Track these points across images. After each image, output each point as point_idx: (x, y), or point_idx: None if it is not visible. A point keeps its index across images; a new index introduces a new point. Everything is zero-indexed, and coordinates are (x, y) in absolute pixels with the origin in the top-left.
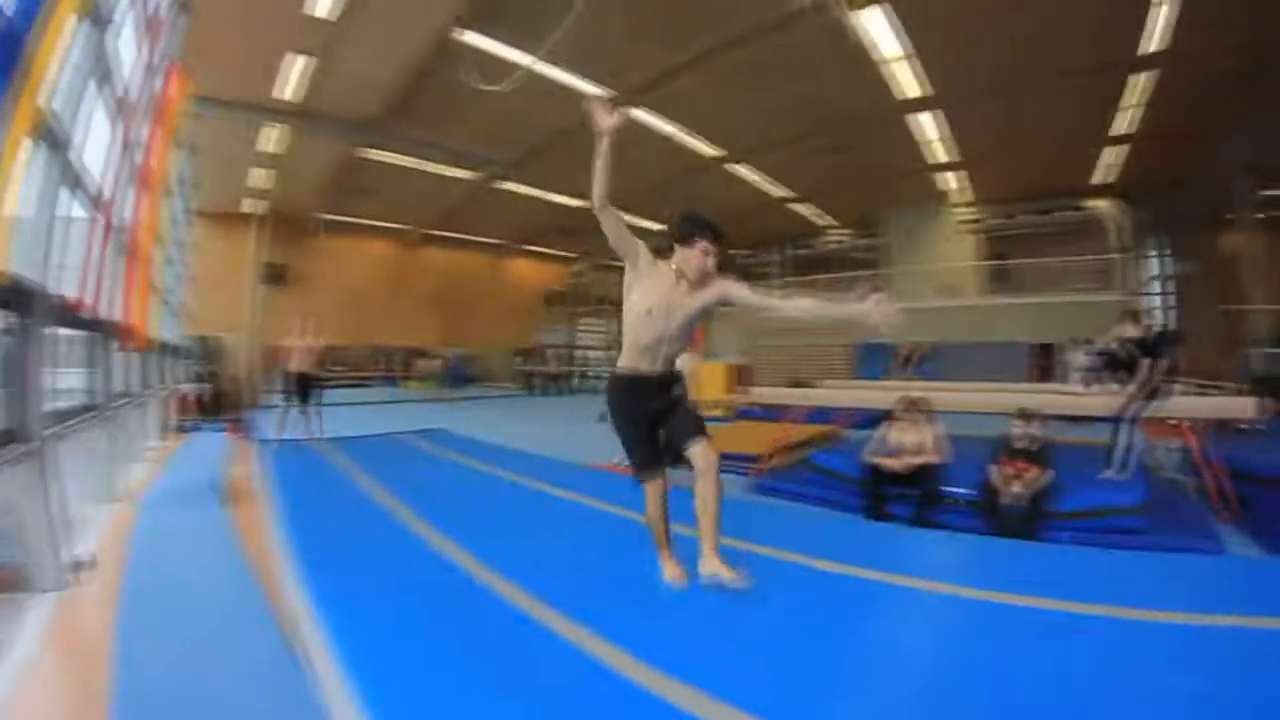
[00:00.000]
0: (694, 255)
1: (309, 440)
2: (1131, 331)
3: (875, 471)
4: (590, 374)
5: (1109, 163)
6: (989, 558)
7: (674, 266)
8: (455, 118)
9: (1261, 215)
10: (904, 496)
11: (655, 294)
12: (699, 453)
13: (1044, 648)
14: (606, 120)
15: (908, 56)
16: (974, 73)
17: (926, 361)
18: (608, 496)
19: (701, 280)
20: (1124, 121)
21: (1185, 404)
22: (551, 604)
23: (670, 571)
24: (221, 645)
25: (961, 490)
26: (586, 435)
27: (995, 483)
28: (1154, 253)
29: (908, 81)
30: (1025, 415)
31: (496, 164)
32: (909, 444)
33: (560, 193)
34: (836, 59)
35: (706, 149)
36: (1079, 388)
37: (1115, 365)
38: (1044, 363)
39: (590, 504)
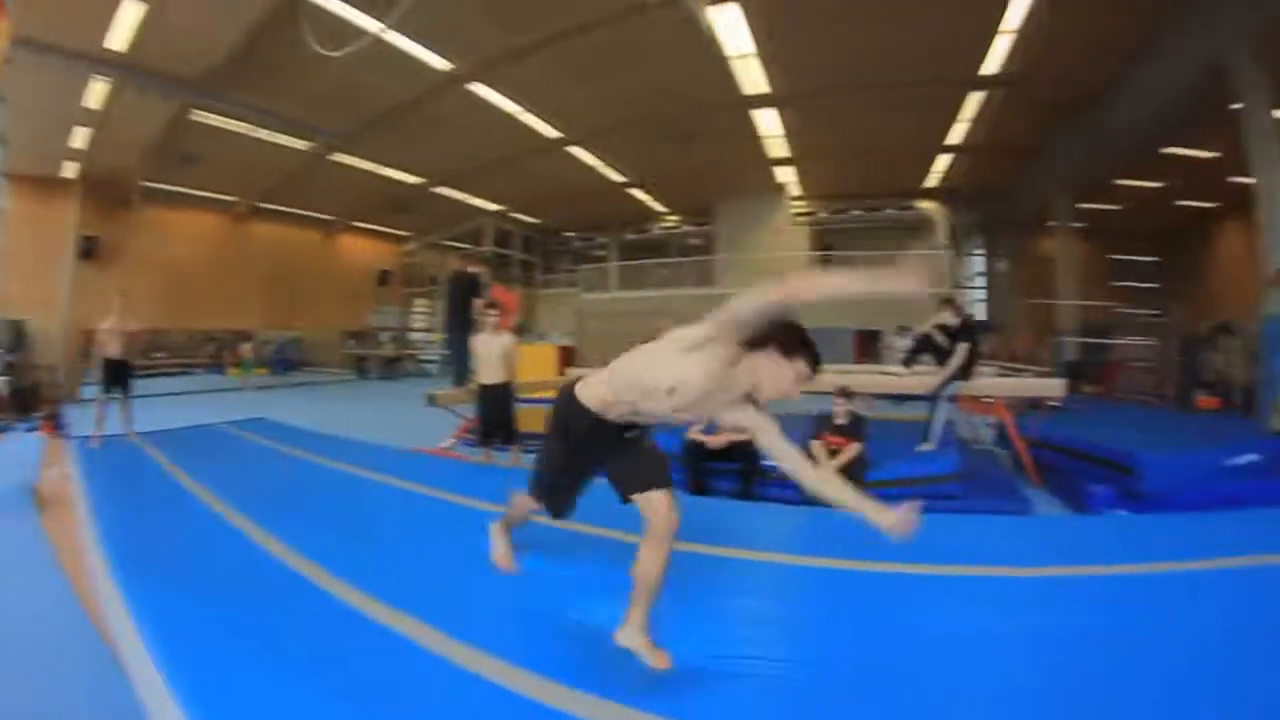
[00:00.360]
0: (785, 374)
1: (129, 435)
2: (949, 319)
3: (698, 448)
4: (421, 358)
5: (941, 169)
6: (810, 526)
7: (743, 364)
8: (292, 83)
9: (1075, 224)
10: (726, 472)
11: (698, 382)
12: (656, 507)
13: (864, 606)
14: (911, 286)
15: (757, 54)
16: (820, 76)
17: None
18: (433, 481)
19: (767, 398)
20: (959, 133)
21: (1002, 384)
22: (374, 593)
23: (500, 553)
24: (39, 661)
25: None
26: (416, 419)
27: (816, 456)
28: (978, 251)
29: (755, 78)
30: (845, 393)
31: (331, 134)
32: (730, 421)
33: (395, 167)
34: (686, 51)
35: (548, 130)
36: (899, 369)
37: (933, 349)
38: (868, 346)
39: (416, 489)
